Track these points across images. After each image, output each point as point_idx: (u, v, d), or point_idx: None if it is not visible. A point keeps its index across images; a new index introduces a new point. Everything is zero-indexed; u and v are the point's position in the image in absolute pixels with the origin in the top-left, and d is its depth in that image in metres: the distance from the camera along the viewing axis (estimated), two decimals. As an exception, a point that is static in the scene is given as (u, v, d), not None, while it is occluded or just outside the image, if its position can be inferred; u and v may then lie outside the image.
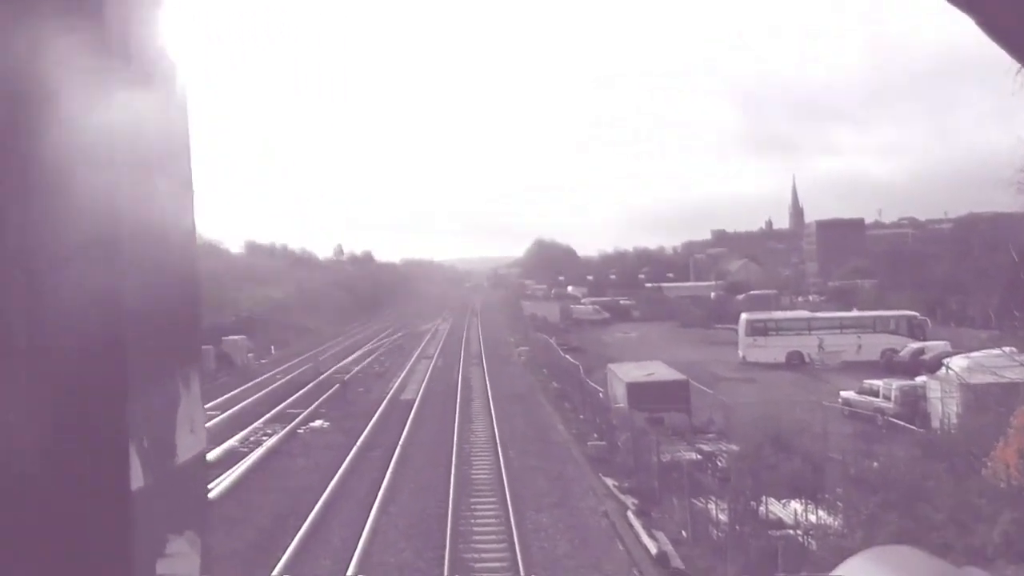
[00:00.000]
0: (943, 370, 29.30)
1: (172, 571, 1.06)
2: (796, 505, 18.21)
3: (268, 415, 31.74)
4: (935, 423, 26.46)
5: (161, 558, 1.05)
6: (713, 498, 19.04)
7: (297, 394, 36.69)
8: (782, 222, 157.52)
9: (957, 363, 29.08)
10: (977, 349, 32.25)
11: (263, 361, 49.25)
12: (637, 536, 18.36)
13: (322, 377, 41.54)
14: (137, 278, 1.02)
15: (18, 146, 0.99)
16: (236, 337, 47.31)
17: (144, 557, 1.02)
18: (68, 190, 0.99)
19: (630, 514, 19.80)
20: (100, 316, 0.98)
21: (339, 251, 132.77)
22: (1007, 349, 25.87)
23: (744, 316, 52.02)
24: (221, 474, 23.10)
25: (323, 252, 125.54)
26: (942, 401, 27.10)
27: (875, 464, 19.11)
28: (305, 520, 19.28)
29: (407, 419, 31.22)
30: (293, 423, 30.38)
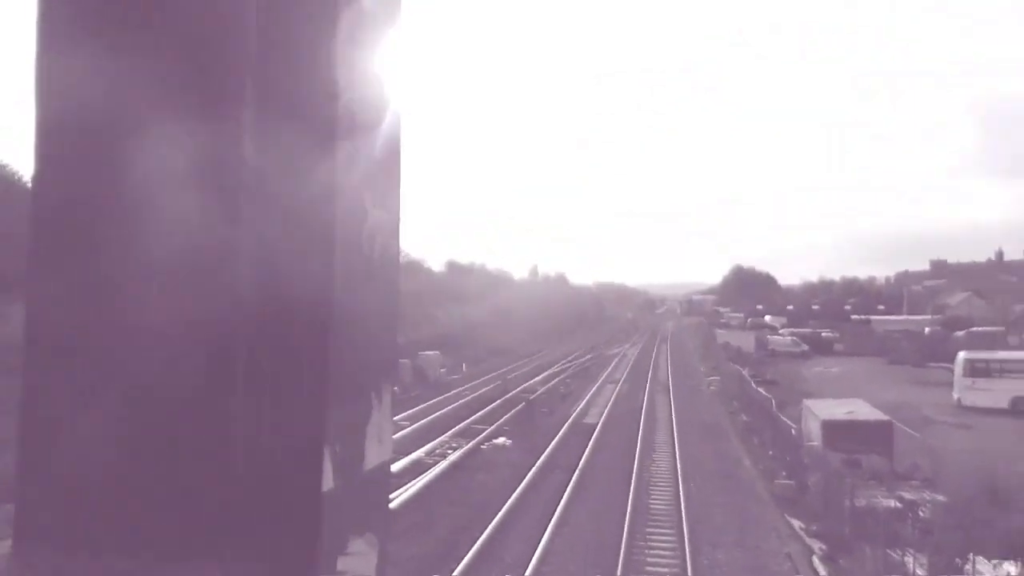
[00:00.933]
0: None
1: (351, 568, 1.13)
2: (1010, 568, 16.31)
3: (454, 429, 32.75)
4: None
5: (343, 555, 1.12)
6: (911, 551, 17.45)
7: (483, 410, 37.60)
8: (1017, 253, 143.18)
9: None
10: None
11: (454, 377, 50.98)
12: (823, 584, 17.17)
13: (509, 395, 42.34)
14: (346, 297, 1.09)
15: (244, 182, 1.08)
16: (431, 352, 49.31)
17: (328, 553, 1.09)
18: (289, 214, 1.07)
19: (815, 559, 18.56)
20: (309, 329, 1.06)
21: (534, 271, 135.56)
22: None
23: (962, 355, 47.49)
24: (407, 483, 24.08)
25: (519, 272, 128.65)
26: None
27: (1113, 530, 16.79)
28: (482, 534, 19.64)
29: (588, 442, 31.12)
30: (477, 439, 31.14)
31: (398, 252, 1.26)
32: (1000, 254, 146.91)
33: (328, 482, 1.07)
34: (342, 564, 1.12)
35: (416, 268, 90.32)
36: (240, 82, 1.09)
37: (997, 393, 43.65)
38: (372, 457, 1.18)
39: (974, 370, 45.35)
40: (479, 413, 36.86)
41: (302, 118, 1.08)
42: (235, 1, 1.10)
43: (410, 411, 35.09)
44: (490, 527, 20.19)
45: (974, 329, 78.81)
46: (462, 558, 18.05)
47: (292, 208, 1.07)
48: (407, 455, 27.18)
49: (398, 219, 1.25)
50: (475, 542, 19.06)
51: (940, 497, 21.75)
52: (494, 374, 51.78)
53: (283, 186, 1.08)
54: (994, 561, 16.76)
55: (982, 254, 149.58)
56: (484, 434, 32.02)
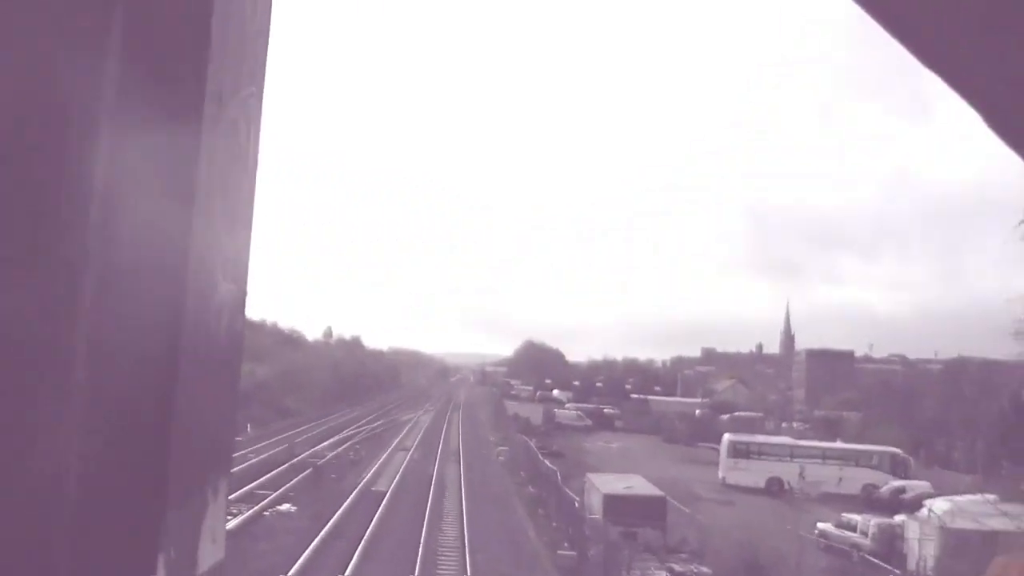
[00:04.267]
0: (924, 511, 28.96)
1: None
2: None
3: (235, 494, 30.99)
4: (911, 564, 26.04)
5: None
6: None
7: (268, 475, 35.92)
8: (773, 346, 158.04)
9: (939, 505, 28.80)
10: (960, 493, 32.02)
11: (238, 439, 48.39)
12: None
13: (296, 460, 40.76)
14: (190, 385, 0.97)
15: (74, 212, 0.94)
16: (214, 411, 46.65)
17: None
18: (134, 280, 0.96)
19: (594, 631, 19.18)
20: (147, 425, 0.94)
21: (328, 333, 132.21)
22: (990, 496, 25.67)
23: (727, 436, 51.70)
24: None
25: (312, 333, 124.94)
26: (920, 543, 26.70)
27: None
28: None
29: (376, 510, 30.52)
30: (260, 505, 29.65)
31: (243, 331, 1.13)
32: (760, 347, 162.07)
33: None
34: None
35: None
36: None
37: (755, 473, 47.76)
38: (205, 559, 1.05)
39: (736, 451, 49.45)
40: (263, 478, 35.16)
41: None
42: None
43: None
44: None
45: (737, 413, 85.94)
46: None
47: (139, 271, 0.94)
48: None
49: (246, 292, 1.13)
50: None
51: (705, 569, 23.26)
52: (282, 436, 49.69)
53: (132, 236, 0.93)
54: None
55: (745, 345, 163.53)
56: (268, 500, 30.56)
